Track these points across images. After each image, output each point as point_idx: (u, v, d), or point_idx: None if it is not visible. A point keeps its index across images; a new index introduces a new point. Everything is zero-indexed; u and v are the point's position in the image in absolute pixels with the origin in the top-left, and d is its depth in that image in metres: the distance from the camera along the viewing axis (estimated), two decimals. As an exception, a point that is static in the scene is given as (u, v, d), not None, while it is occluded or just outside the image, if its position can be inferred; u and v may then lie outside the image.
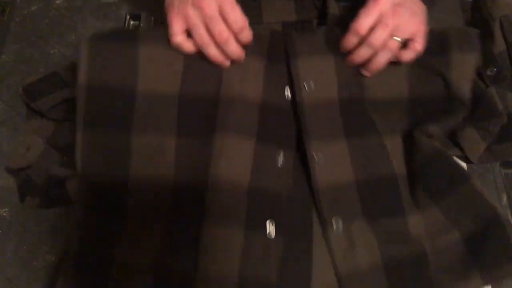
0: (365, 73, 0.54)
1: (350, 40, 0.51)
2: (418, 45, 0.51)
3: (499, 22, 0.60)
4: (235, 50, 0.51)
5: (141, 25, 0.65)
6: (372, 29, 0.51)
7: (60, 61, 0.66)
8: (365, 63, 0.52)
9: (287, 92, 0.54)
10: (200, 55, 0.51)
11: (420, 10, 0.53)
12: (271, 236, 0.49)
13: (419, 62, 0.54)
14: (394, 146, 0.55)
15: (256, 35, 0.54)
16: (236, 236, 0.49)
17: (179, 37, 0.50)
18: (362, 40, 0.51)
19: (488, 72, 0.61)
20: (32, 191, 0.54)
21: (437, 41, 0.55)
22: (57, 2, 0.70)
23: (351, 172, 0.53)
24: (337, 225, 0.51)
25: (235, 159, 0.52)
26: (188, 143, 0.53)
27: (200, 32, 0.50)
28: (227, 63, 0.52)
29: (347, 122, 0.54)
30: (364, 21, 0.51)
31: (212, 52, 0.51)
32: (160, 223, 0.50)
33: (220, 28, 0.50)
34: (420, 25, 0.52)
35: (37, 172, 0.54)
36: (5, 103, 0.62)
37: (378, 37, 0.51)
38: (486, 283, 0.50)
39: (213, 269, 0.48)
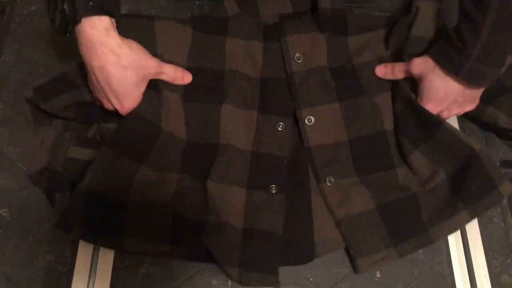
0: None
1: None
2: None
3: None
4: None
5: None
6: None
7: (60, 61, 0.65)
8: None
9: (284, 66, 0.60)
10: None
11: (473, 97, 0.57)
12: (273, 191, 0.56)
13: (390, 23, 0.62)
14: (385, 104, 0.60)
15: (254, 22, 0.62)
16: (238, 192, 0.55)
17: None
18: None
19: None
20: (59, 186, 0.54)
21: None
22: (57, 2, 0.70)
23: (343, 131, 0.59)
24: (330, 182, 0.56)
25: (239, 128, 0.58)
26: (196, 108, 0.59)
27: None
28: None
29: (339, 86, 0.60)
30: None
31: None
32: (174, 173, 0.55)
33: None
34: (475, 100, 0.58)
35: (57, 163, 0.55)
36: (5, 103, 0.62)
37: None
38: (472, 217, 0.54)
39: (219, 219, 0.54)
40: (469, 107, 0.58)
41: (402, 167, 0.58)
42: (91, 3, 0.48)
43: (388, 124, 0.59)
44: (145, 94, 0.56)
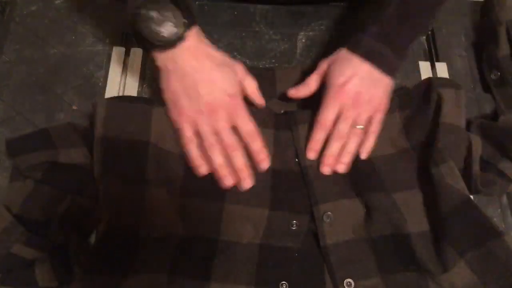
0: (340, 167, 0.56)
1: (318, 135, 0.55)
2: (375, 127, 0.56)
3: (505, 27, 0.60)
4: (241, 165, 0.52)
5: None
6: (335, 121, 0.54)
7: (60, 61, 0.65)
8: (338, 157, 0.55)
9: (296, 157, 0.56)
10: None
11: (381, 85, 0.55)
12: None
13: (407, 110, 0.58)
14: (408, 202, 0.54)
15: (265, 110, 0.58)
16: None
17: (188, 140, 0.53)
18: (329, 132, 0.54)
19: (492, 76, 0.61)
20: None
21: (420, 88, 0.59)
22: (57, 2, 0.70)
23: (363, 229, 0.53)
24: (348, 285, 0.50)
25: (246, 225, 0.53)
26: (196, 203, 0.53)
27: (209, 139, 0.52)
28: (229, 181, 0.53)
29: (355, 181, 0.55)
30: (327, 116, 0.54)
31: (219, 160, 0.52)
32: (167, 274, 0.49)
33: (229, 140, 0.52)
34: (382, 101, 0.55)
35: None
36: (5, 103, 0.62)
37: (342, 130, 0.54)
38: None
39: None
40: (379, 114, 0.56)
41: (435, 275, 0.50)
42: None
43: (413, 226, 0.52)
44: (126, 192, 0.51)
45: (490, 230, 0.49)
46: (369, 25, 0.54)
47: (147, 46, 0.51)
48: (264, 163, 0.53)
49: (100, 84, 0.64)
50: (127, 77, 0.64)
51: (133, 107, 0.55)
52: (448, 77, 0.66)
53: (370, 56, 0.54)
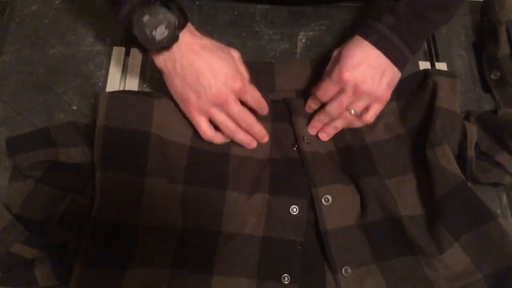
0: (322, 135, 0.58)
1: (311, 105, 0.57)
2: (369, 117, 0.56)
3: (505, 27, 0.60)
4: (259, 131, 0.56)
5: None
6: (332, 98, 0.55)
7: (60, 61, 0.65)
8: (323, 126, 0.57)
9: (295, 144, 0.58)
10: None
11: (387, 76, 0.55)
12: (285, 281, 0.50)
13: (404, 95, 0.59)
14: (400, 187, 0.55)
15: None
16: (247, 285, 0.49)
17: (209, 133, 0.54)
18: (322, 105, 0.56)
19: (492, 76, 0.61)
20: None
21: (415, 77, 0.60)
22: (57, 2, 0.70)
23: (358, 214, 0.54)
24: (346, 272, 0.51)
25: (248, 215, 0.53)
26: (197, 192, 0.54)
27: (228, 126, 0.54)
28: (254, 143, 0.57)
29: (350, 167, 0.56)
30: (325, 91, 0.55)
31: (242, 137, 0.56)
32: (168, 267, 0.50)
33: (244, 118, 0.54)
34: (384, 92, 0.55)
35: None
36: (5, 103, 0.62)
37: (334, 109, 0.55)
38: None
39: None
40: (377, 105, 0.56)
41: (428, 258, 0.50)
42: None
43: (405, 209, 0.53)
44: (123, 185, 0.51)
45: (485, 213, 0.50)
46: (384, 15, 0.55)
47: (143, 49, 0.52)
48: (265, 110, 0.57)
49: (100, 84, 0.64)
50: (127, 77, 0.64)
51: (135, 98, 0.55)
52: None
53: (381, 44, 0.54)
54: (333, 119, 0.57)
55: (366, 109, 0.56)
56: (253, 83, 0.56)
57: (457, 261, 0.50)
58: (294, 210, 0.53)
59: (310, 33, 0.70)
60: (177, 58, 0.51)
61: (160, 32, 0.49)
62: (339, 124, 0.57)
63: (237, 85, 0.52)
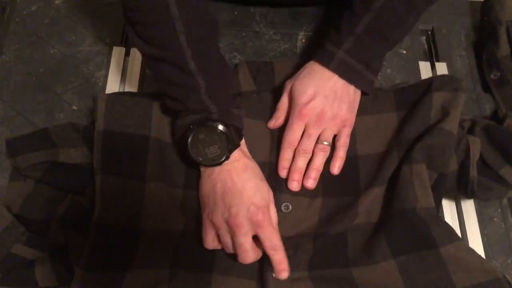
0: (308, 182, 0.57)
1: (286, 154, 0.56)
2: (343, 141, 0.57)
3: (505, 27, 0.60)
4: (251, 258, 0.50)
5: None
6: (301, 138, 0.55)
7: (60, 61, 0.65)
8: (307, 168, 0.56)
9: None
10: None
11: (346, 101, 0.56)
12: None
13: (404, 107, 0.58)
14: (368, 197, 0.54)
15: (260, 100, 0.59)
16: (248, 284, 0.50)
17: (210, 246, 0.51)
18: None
19: (492, 76, 0.61)
20: None
21: (419, 88, 0.58)
22: (57, 2, 0.70)
23: (314, 226, 0.54)
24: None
25: None
26: (196, 196, 0.54)
27: (228, 247, 0.51)
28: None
29: (327, 182, 0.56)
30: (293, 134, 0.56)
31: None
32: (168, 268, 0.50)
33: (242, 255, 0.50)
34: (346, 116, 0.56)
35: None
36: (5, 103, 0.62)
37: (306, 146, 0.55)
38: None
39: None
40: (345, 129, 0.56)
41: (361, 269, 0.50)
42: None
43: (361, 218, 0.53)
44: (125, 189, 0.51)
45: (428, 240, 0.50)
46: (342, 39, 0.54)
47: (194, 161, 0.51)
48: (284, 272, 0.50)
49: (100, 84, 0.64)
50: (127, 77, 0.64)
51: (134, 101, 0.55)
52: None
53: (342, 70, 0.54)
54: (312, 162, 0.56)
55: (338, 137, 0.57)
56: (253, 82, 0.56)
57: (388, 276, 0.49)
58: (287, 208, 0.54)
59: (310, 33, 0.70)
60: (217, 167, 0.51)
61: (213, 151, 0.50)
62: (317, 163, 0.56)
63: (257, 217, 0.49)
